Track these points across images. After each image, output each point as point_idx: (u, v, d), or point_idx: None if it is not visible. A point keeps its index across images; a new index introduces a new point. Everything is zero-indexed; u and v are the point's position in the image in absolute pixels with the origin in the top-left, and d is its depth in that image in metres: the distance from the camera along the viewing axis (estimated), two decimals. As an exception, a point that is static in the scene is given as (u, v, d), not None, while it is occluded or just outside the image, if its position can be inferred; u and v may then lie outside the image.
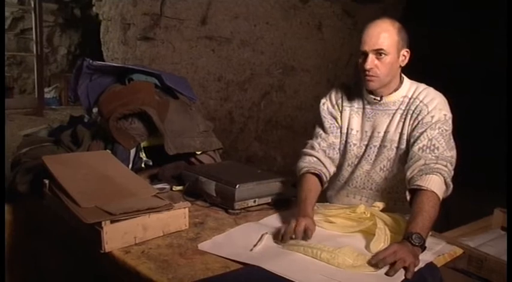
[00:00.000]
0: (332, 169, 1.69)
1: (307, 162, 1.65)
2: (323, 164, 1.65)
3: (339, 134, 1.71)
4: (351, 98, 1.71)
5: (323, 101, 1.76)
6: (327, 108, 1.73)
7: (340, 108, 1.71)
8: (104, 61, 3.17)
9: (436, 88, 1.63)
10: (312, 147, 1.69)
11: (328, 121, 1.71)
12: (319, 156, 1.66)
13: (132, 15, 3.32)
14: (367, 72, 1.53)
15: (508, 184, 2.14)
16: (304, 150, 1.71)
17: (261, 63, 4.05)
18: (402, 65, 1.59)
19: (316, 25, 4.36)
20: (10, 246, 1.77)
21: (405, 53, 1.57)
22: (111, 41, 3.49)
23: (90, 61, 2.06)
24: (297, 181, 1.64)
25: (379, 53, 1.51)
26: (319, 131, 1.73)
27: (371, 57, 1.52)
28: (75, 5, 6.94)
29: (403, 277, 1.17)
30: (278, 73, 4.17)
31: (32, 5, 5.13)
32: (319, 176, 1.62)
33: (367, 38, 1.52)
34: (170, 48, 3.51)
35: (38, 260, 1.77)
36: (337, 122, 1.71)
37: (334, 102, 1.73)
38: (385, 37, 1.51)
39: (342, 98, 1.72)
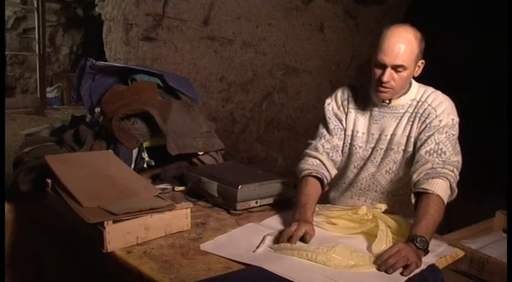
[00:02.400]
0: (334, 172, 1.67)
1: (309, 165, 1.63)
2: (326, 167, 1.64)
3: (343, 136, 1.69)
4: (357, 100, 1.69)
5: (328, 101, 1.73)
6: (332, 109, 1.71)
7: (346, 110, 1.69)
8: (106, 61, 3.17)
9: (438, 88, 1.63)
10: (316, 149, 1.66)
11: (332, 122, 1.69)
12: (323, 158, 1.64)
13: (134, 15, 3.33)
14: (382, 84, 1.51)
15: (509, 186, 2.13)
16: (307, 151, 1.68)
17: (263, 64, 4.05)
18: (416, 76, 1.58)
19: (318, 26, 4.36)
20: (11, 245, 1.77)
21: (420, 64, 1.55)
22: (114, 41, 3.49)
23: (94, 61, 2.06)
24: (298, 183, 1.63)
25: (398, 67, 1.48)
26: (323, 131, 1.71)
27: (389, 71, 1.49)
28: (78, 5, 6.94)
29: (406, 278, 1.17)
30: (280, 74, 4.17)
31: (35, 5, 5.14)
32: (320, 180, 1.60)
33: (389, 50, 1.47)
34: (172, 49, 3.51)
35: (39, 259, 1.77)
36: (342, 124, 1.69)
37: (339, 103, 1.71)
38: (406, 51, 1.47)
39: (348, 99, 1.70)
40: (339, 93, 1.73)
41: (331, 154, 1.66)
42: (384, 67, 1.49)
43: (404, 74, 1.50)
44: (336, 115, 1.70)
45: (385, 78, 1.49)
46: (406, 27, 1.51)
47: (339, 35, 4.52)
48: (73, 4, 6.97)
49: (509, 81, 2.57)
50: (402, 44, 1.47)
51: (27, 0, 6.33)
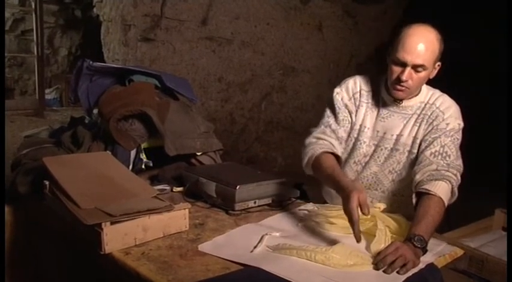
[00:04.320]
0: (340, 154, 1.65)
1: (321, 144, 1.60)
2: (335, 147, 1.62)
3: (349, 128, 1.66)
4: (368, 94, 1.66)
5: (337, 90, 1.68)
6: (342, 99, 1.67)
7: (357, 103, 1.65)
8: (104, 62, 3.18)
9: (438, 88, 1.63)
10: (324, 133, 1.64)
11: (342, 113, 1.65)
12: (332, 141, 1.63)
13: (132, 16, 3.32)
14: (400, 83, 1.49)
15: (508, 185, 2.13)
16: (316, 135, 1.65)
17: (262, 64, 4.05)
18: (431, 78, 1.55)
19: (317, 26, 4.36)
20: (10, 247, 1.77)
21: (436, 66, 1.54)
22: (112, 42, 3.49)
23: (90, 62, 2.05)
24: (315, 163, 1.58)
25: (418, 67, 1.46)
26: (329, 121, 1.67)
27: (409, 70, 1.46)
28: (76, 6, 6.94)
29: (404, 277, 1.17)
30: (279, 74, 4.17)
31: (33, 6, 5.12)
32: (336, 156, 1.59)
33: (411, 49, 1.44)
34: (171, 49, 3.51)
35: (38, 261, 1.77)
36: (351, 117, 1.66)
37: (351, 94, 1.66)
38: (428, 51, 1.45)
39: (360, 92, 1.66)
40: (351, 84, 1.68)
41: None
42: (404, 65, 1.47)
43: (423, 74, 1.48)
44: (346, 106, 1.66)
45: (405, 77, 1.47)
46: (427, 27, 1.48)
47: (337, 34, 4.53)
48: (71, 5, 6.97)
49: (509, 81, 2.57)
50: (424, 43, 1.44)
51: (25, 2, 6.33)
